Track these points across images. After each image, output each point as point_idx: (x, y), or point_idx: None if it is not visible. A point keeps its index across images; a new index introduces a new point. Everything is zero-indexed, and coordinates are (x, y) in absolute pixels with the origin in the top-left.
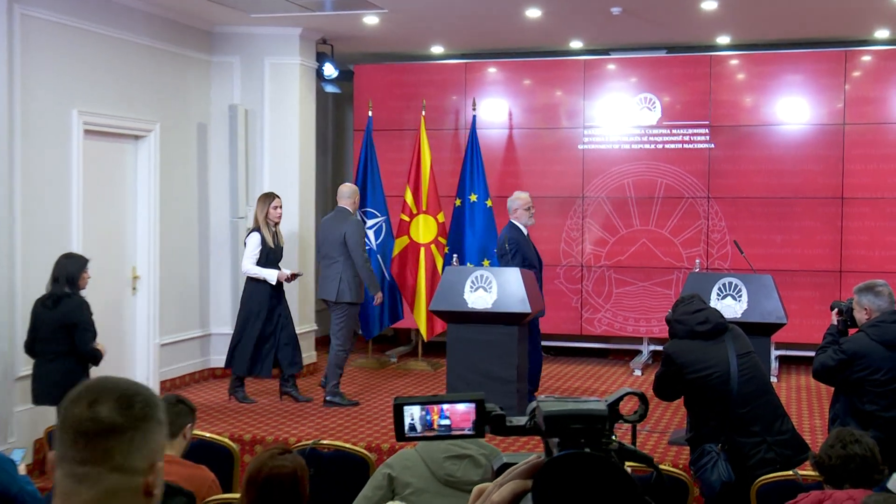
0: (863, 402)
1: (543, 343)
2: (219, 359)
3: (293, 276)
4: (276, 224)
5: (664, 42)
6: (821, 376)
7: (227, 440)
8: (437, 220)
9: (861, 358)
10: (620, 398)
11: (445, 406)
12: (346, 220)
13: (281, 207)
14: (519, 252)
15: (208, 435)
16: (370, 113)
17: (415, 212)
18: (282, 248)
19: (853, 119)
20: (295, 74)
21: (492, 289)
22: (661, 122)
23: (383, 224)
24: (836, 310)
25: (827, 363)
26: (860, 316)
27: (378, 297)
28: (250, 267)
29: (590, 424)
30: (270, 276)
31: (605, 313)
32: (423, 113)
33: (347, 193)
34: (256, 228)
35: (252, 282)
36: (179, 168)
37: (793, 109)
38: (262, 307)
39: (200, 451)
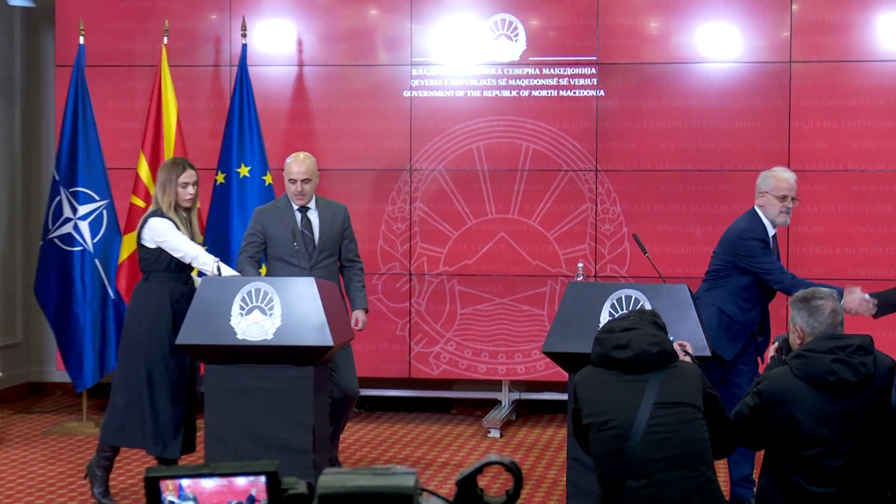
0: (787, 469)
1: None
2: None
3: None
4: (188, 210)
5: None
6: (738, 429)
7: None
8: None
9: (780, 403)
10: (479, 470)
11: (219, 481)
12: None
13: (194, 186)
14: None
15: None
16: (81, 40)
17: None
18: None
19: (804, 55)
20: None
21: (273, 310)
22: (525, 58)
23: (104, 212)
24: (775, 344)
25: (741, 412)
26: (794, 340)
27: None
28: (205, 256)
29: None
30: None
31: (446, 346)
32: (165, 41)
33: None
34: (158, 213)
35: (148, 292)
36: None
37: (717, 41)
38: (168, 332)
39: None
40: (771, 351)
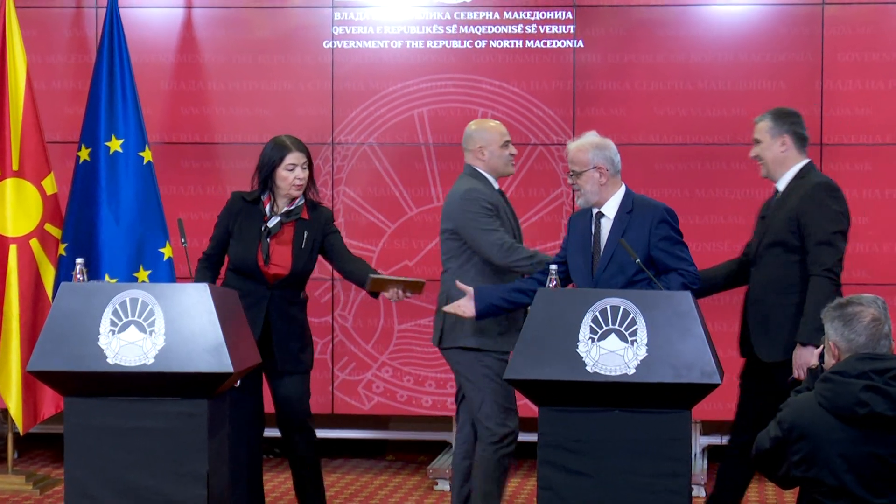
0: None
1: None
2: None
3: None
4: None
5: None
6: (761, 466)
7: None
8: (41, 190)
9: (800, 438)
10: None
11: None
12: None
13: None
14: None
15: None
16: None
17: None
18: None
19: None
20: None
21: (154, 326)
22: (480, 0)
23: None
24: (819, 347)
25: (762, 445)
26: (829, 361)
27: None
28: None
29: None
30: None
31: (380, 372)
32: None
33: (466, 136)
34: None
35: None
36: None
37: None
38: None
39: None
40: (812, 360)
